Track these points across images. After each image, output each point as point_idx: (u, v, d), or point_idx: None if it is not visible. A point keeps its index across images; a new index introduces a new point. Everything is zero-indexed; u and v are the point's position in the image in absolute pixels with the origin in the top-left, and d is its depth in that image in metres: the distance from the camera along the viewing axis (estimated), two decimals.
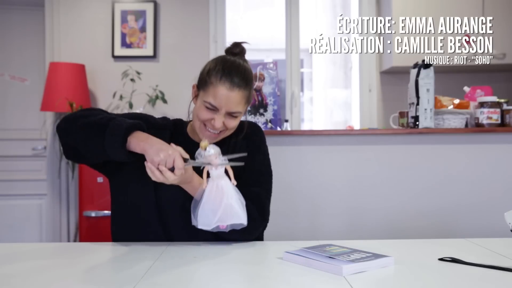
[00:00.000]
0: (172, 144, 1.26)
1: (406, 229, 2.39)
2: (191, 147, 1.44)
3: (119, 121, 1.28)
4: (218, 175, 1.24)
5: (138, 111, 3.41)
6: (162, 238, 1.41)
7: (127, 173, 1.43)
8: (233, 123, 1.42)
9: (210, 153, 1.24)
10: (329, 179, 2.44)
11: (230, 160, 1.26)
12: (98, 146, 1.27)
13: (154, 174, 1.21)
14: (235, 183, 1.26)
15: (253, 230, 1.38)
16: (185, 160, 1.23)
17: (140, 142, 1.25)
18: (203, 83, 1.41)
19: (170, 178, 1.21)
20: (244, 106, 1.42)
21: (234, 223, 1.26)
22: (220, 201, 1.23)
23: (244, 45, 1.49)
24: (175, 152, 1.22)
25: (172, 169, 1.21)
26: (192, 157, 1.27)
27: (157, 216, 1.40)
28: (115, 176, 1.47)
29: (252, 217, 1.32)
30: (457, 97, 2.62)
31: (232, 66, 1.40)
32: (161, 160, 1.20)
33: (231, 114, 1.40)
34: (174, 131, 1.52)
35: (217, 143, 1.47)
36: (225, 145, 1.47)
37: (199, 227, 1.26)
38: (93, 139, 1.29)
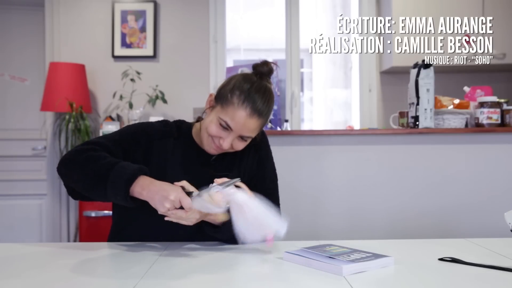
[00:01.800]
0: (175, 183, 1.24)
1: (406, 229, 2.39)
2: (196, 151, 1.44)
3: (119, 171, 1.25)
4: (229, 193, 1.22)
5: (138, 111, 3.43)
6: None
7: None
8: (241, 146, 1.39)
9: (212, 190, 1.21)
10: (329, 179, 2.44)
11: (228, 184, 1.23)
12: (101, 196, 1.28)
13: (170, 218, 1.23)
14: (251, 194, 1.25)
15: None
16: (189, 193, 1.21)
17: (142, 191, 1.23)
18: (223, 98, 1.36)
19: (184, 217, 1.21)
20: (257, 132, 1.40)
21: (270, 232, 1.23)
22: (245, 217, 1.21)
23: (273, 64, 1.43)
24: (179, 194, 1.19)
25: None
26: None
27: (158, 226, 1.40)
28: None
29: None
30: (457, 97, 2.62)
31: (258, 90, 1.35)
32: (169, 209, 1.20)
33: (242, 137, 1.37)
34: (177, 136, 1.47)
35: (230, 156, 1.46)
36: (233, 154, 1.45)
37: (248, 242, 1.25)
38: (95, 191, 1.28)
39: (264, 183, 1.47)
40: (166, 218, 1.23)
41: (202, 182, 1.27)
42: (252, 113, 1.33)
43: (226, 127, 1.34)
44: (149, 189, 1.22)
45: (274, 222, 1.22)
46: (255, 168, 1.49)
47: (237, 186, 1.25)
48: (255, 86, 1.36)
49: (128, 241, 1.42)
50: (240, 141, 1.38)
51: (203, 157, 1.45)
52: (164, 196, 1.19)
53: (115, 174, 1.24)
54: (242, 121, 1.33)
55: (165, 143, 1.44)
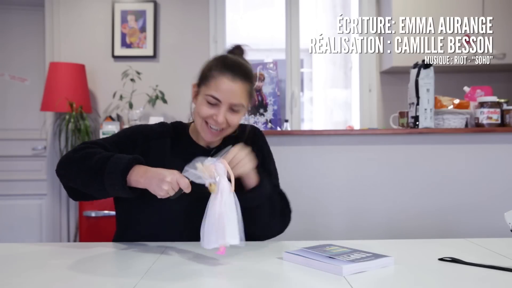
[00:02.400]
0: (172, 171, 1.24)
1: (406, 229, 2.40)
2: (194, 149, 1.45)
3: (115, 162, 1.27)
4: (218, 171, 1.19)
5: (138, 111, 3.43)
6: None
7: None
8: (235, 119, 1.39)
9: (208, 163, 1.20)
10: (329, 179, 2.44)
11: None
12: (100, 190, 1.29)
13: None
14: (232, 190, 1.20)
15: (288, 221, 1.53)
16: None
17: (139, 179, 1.24)
18: (204, 78, 1.40)
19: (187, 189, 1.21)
20: (246, 101, 1.40)
21: (227, 242, 1.15)
22: (217, 216, 1.16)
23: (245, 46, 1.49)
24: (175, 176, 1.20)
25: (181, 191, 1.21)
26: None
27: (160, 226, 1.41)
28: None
29: (285, 211, 1.50)
30: (457, 97, 2.62)
31: (233, 61, 1.40)
32: (167, 191, 1.20)
33: (233, 109, 1.37)
34: (175, 136, 1.49)
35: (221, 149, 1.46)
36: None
37: (204, 246, 1.18)
38: (93, 185, 1.29)
39: (270, 180, 1.49)
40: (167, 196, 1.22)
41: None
42: (233, 77, 1.36)
43: (215, 102, 1.36)
44: (146, 176, 1.23)
45: (232, 230, 1.15)
46: (259, 166, 1.48)
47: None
48: (229, 58, 1.41)
49: (133, 241, 1.42)
50: (232, 113, 1.38)
51: (201, 153, 1.45)
52: (161, 179, 1.20)
53: (111, 166, 1.26)
54: (227, 87, 1.35)
55: (163, 142, 1.45)
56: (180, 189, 1.21)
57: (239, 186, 1.31)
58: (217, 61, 1.41)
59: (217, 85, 1.35)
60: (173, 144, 1.46)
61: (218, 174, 1.18)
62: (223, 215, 1.15)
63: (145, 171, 1.25)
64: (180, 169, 1.39)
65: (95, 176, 1.27)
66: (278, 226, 1.50)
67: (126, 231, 1.46)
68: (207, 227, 1.16)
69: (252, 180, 1.33)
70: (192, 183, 1.22)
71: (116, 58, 3.73)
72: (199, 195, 1.22)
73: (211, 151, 1.46)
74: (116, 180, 1.25)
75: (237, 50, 1.48)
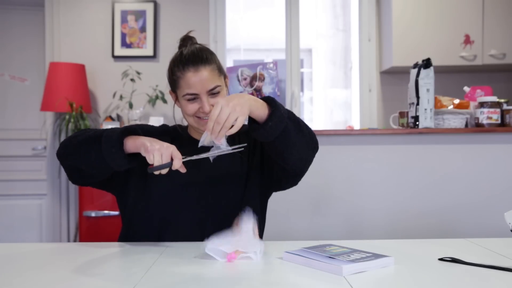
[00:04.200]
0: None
1: (406, 229, 2.40)
2: (195, 146, 1.45)
3: (112, 130, 1.30)
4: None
5: (138, 111, 3.42)
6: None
7: (133, 189, 1.45)
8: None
9: (208, 144, 1.23)
10: (329, 179, 2.44)
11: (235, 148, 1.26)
12: (98, 157, 1.27)
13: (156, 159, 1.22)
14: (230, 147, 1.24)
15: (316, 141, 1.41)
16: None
17: (136, 141, 1.26)
18: (173, 83, 1.44)
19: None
20: (219, 79, 1.41)
21: (249, 253, 1.18)
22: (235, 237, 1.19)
23: (190, 33, 1.52)
24: (171, 146, 1.23)
25: (170, 165, 1.20)
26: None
27: (158, 225, 1.42)
28: (121, 193, 1.49)
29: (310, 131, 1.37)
30: (457, 97, 2.62)
31: (188, 54, 1.41)
32: (160, 151, 1.21)
33: (212, 93, 1.39)
34: (175, 135, 1.52)
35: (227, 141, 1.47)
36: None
37: (207, 250, 1.18)
38: (91, 152, 1.29)
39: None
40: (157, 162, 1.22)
41: (203, 172, 1.39)
42: (195, 67, 1.37)
43: (193, 97, 1.38)
44: (142, 139, 1.26)
45: (253, 246, 1.18)
46: (258, 143, 1.49)
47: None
48: (182, 53, 1.43)
49: (138, 240, 1.43)
50: (214, 96, 1.39)
51: (202, 148, 1.46)
52: (156, 140, 1.23)
53: (108, 132, 1.29)
54: (195, 80, 1.37)
55: (164, 139, 1.45)
56: (169, 163, 1.20)
57: (255, 122, 1.26)
58: (174, 62, 1.44)
59: (187, 83, 1.38)
60: (174, 142, 1.47)
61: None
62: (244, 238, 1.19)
63: (142, 137, 1.27)
64: (185, 163, 1.42)
65: (93, 144, 1.28)
66: (311, 144, 1.39)
67: (130, 229, 1.47)
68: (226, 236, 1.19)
69: (260, 112, 1.23)
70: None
71: (116, 58, 3.73)
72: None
73: (211, 146, 1.47)
74: (114, 142, 1.25)
75: (187, 41, 1.49)
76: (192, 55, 1.40)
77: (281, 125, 1.24)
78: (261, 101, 1.24)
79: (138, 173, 1.43)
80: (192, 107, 1.39)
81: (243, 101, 1.20)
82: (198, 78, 1.37)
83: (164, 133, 1.51)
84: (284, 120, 1.24)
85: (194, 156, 1.25)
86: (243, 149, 1.27)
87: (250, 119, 1.25)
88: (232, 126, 1.19)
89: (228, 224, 1.31)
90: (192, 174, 1.36)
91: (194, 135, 1.51)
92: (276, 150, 1.29)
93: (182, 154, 1.32)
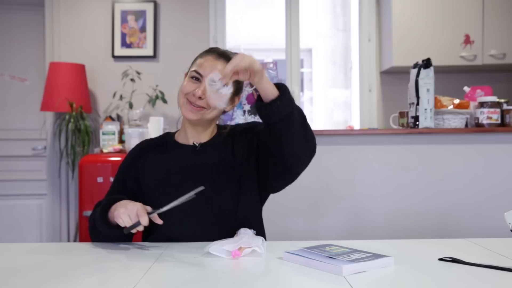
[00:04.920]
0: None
1: (406, 229, 2.40)
2: (179, 150, 1.51)
3: (100, 213, 1.37)
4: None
5: (138, 111, 3.43)
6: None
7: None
8: None
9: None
10: (329, 179, 2.44)
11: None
12: (109, 237, 1.38)
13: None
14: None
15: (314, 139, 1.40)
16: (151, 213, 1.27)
17: (113, 214, 1.32)
18: (191, 64, 1.50)
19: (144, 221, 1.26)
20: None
21: (254, 247, 1.23)
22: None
23: (247, 46, 1.56)
24: (135, 206, 1.27)
25: (138, 223, 1.25)
26: None
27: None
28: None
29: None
30: (457, 97, 2.62)
31: (219, 48, 1.51)
32: (124, 212, 1.27)
33: None
34: (162, 142, 1.56)
35: (216, 144, 1.48)
36: (222, 141, 1.49)
37: (211, 251, 1.22)
38: (99, 237, 1.40)
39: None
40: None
41: (195, 171, 1.43)
42: (217, 56, 1.45)
43: (197, 75, 1.43)
44: (114, 209, 1.32)
45: (256, 241, 1.24)
46: (254, 141, 1.49)
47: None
48: (216, 47, 1.52)
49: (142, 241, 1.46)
50: None
51: (187, 150, 1.50)
52: (122, 211, 1.27)
53: (97, 220, 1.38)
54: (210, 63, 1.42)
55: (151, 151, 1.53)
56: (137, 223, 1.25)
57: (263, 102, 1.28)
58: (204, 50, 1.52)
59: (201, 62, 1.45)
60: (159, 147, 1.53)
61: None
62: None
63: (115, 208, 1.32)
64: (178, 167, 1.44)
65: (95, 231, 1.40)
66: (310, 144, 1.38)
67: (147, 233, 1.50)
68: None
69: (269, 87, 1.26)
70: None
71: (116, 58, 3.74)
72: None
73: (197, 147, 1.50)
74: (103, 227, 1.35)
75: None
76: (220, 50, 1.49)
77: (288, 109, 1.26)
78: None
79: (148, 195, 1.46)
80: (190, 86, 1.44)
81: (260, 65, 1.25)
82: (212, 64, 1.42)
83: (148, 144, 1.56)
84: (291, 105, 1.27)
85: (161, 209, 1.27)
86: (203, 188, 1.28)
87: (258, 97, 1.30)
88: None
89: (225, 233, 1.34)
90: (187, 182, 1.37)
91: (180, 140, 1.54)
92: (275, 133, 1.30)
93: (168, 158, 1.44)
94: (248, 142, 1.49)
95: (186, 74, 1.51)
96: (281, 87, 1.27)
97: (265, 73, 1.24)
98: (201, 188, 1.26)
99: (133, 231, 1.26)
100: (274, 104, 1.24)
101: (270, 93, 1.25)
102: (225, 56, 1.45)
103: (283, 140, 1.30)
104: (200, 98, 1.41)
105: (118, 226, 1.30)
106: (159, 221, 1.27)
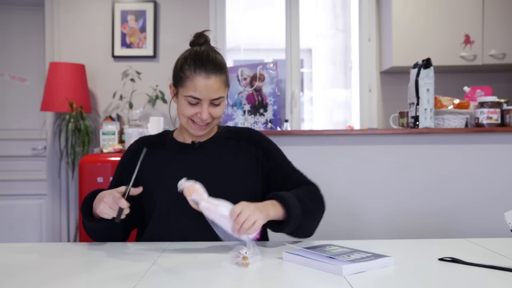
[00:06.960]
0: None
1: (406, 229, 2.39)
2: (176, 147, 1.51)
3: (84, 209, 1.40)
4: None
5: (138, 111, 3.43)
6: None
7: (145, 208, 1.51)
8: (218, 111, 1.44)
9: (195, 200, 1.25)
10: (329, 179, 2.44)
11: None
12: (98, 230, 1.40)
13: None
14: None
15: (322, 199, 1.52)
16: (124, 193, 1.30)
17: (95, 211, 1.34)
18: (179, 79, 1.43)
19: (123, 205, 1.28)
20: (224, 91, 1.44)
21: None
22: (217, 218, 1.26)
23: (206, 32, 1.51)
24: (110, 194, 1.29)
25: (121, 210, 1.28)
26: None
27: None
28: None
29: (315, 191, 1.52)
30: (457, 97, 2.61)
31: (202, 55, 1.41)
32: (104, 205, 1.29)
33: (214, 103, 1.42)
34: (159, 140, 1.56)
35: (216, 143, 1.49)
36: (240, 152, 1.51)
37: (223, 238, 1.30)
38: (92, 232, 1.43)
39: (283, 169, 1.54)
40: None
41: (193, 168, 1.44)
42: (207, 73, 1.38)
43: (196, 101, 1.40)
44: (95, 206, 1.34)
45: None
46: (265, 162, 1.51)
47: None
48: (199, 53, 1.42)
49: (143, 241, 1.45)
50: (215, 107, 1.43)
51: (186, 148, 1.51)
52: (103, 204, 1.29)
53: (83, 219, 1.41)
54: (204, 85, 1.38)
55: (150, 150, 1.52)
56: (121, 209, 1.27)
57: (271, 223, 1.35)
58: (186, 59, 1.42)
59: (194, 85, 1.38)
60: (156, 145, 1.53)
61: (199, 194, 1.24)
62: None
63: (95, 207, 1.34)
64: (176, 165, 1.47)
65: (96, 234, 1.43)
66: (320, 216, 1.53)
67: (141, 232, 1.51)
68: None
69: (277, 212, 1.32)
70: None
71: (116, 58, 3.73)
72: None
73: (195, 145, 1.51)
74: (87, 222, 1.38)
75: (201, 39, 1.49)
76: (207, 60, 1.40)
77: (296, 223, 1.34)
78: (275, 202, 1.33)
79: (145, 193, 1.44)
80: (191, 110, 1.41)
81: (262, 207, 1.28)
82: (206, 85, 1.38)
83: (149, 140, 1.57)
84: (298, 218, 1.34)
85: (130, 183, 1.31)
86: None
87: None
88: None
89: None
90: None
91: (179, 138, 1.54)
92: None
93: (166, 155, 1.47)
94: (254, 156, 1.51)
95: (173, 88, 1.47)
96: (284, 202, 1.33)
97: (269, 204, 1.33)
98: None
99: (122, 216, 1.29)
100: (285, 230, 1.35)
101: (276, 217, 1.32)
102: (213, 66, 1.40)
103: (294, 234, 1.41)
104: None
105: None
106: (139, 190, 1.32)
